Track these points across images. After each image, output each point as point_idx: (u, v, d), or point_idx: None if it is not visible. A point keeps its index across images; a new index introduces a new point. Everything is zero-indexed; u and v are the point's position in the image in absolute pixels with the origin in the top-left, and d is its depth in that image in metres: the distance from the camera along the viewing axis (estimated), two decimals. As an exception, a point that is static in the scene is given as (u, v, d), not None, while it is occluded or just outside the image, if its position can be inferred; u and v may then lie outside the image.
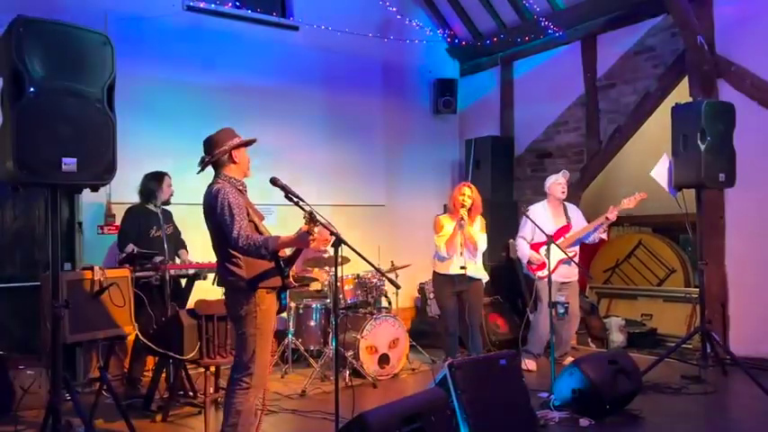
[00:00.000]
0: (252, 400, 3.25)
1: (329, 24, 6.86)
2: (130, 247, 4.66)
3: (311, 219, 3.00)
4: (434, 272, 5.34)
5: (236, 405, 3.19)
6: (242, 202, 3.22)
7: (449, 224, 5.19)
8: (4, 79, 2.88)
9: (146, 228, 4.84)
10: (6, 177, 2.90)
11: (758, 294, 5.49)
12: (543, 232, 4.79)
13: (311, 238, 3.02)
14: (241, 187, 3.34)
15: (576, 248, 5.52)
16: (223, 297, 3.41)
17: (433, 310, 6.97)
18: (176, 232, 5.12)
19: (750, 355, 5.26)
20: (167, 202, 4.97)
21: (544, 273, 5.42)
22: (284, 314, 5.49)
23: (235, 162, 3.33)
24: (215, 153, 3.29)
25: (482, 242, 5.19)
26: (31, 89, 2.83)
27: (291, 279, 3.31)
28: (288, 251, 3.34)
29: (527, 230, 5.57)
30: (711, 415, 4.45)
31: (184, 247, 5.16)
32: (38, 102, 2.85)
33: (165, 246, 4.77)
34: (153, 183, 4.89)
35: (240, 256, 3.18)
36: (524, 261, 5.64)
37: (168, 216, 5.03)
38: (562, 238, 5.39)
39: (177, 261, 4.96)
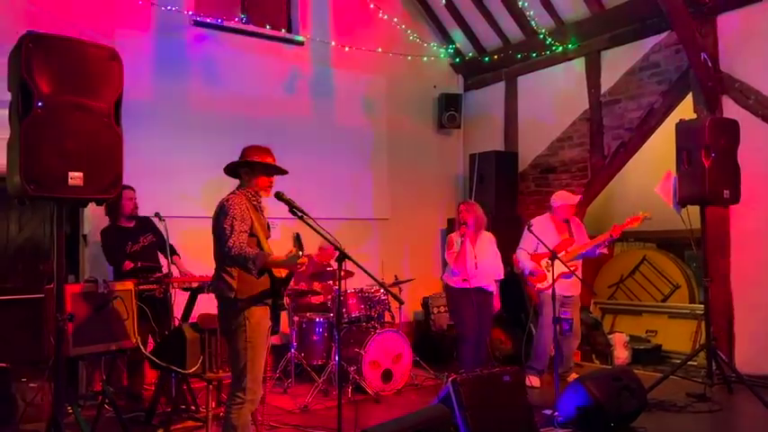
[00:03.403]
0: (247, 415, 3.26)
1: (335, 40, 6.92)
2: (129, 265, 4.67)
3: (297, 241, 3.07)
4: (448, 285, 5.46)
5: (232, 419, 3.20)
6: (248, 217, 3.24)
7: (458, 242, 5.34)
8: (13, 93, 2.91)
9: (121, 244, 4.79)
10: (13, 191, 2.92)
11: (764, 311, 5.45)
12: (547, 247, 4.78)
13: (299, 262, 3.08)
14: (256, 203, 3.37)
15: (578, 263, 5.50)
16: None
17: (437, 324, 6.95)
18: (159, 240, 4.98)
19: (755, 372, 5.21)
20: (131, 215, 4.85)
21: (543, 285, 5.45)
22: (287, 328, 5.52)
23: (247, 179, 3.37)
24: (231, 164, 3.39)
25: (496, 259, 5.47)
26: (39, 103, 2.85)
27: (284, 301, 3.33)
28: (284, 273, 3.32)
29: (529, 243, 5.55)
30: (717, 433, 4.41)
31: (175, 252, 5.06)
32: (46, 116, 2.87)
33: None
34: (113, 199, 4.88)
35: (236, 268, 3.21)
36: (526, 272, 5.63)
37: (145, 226, 4.95)
38: (564, 252, 5.37)
39: (175, 271, 4.87)
